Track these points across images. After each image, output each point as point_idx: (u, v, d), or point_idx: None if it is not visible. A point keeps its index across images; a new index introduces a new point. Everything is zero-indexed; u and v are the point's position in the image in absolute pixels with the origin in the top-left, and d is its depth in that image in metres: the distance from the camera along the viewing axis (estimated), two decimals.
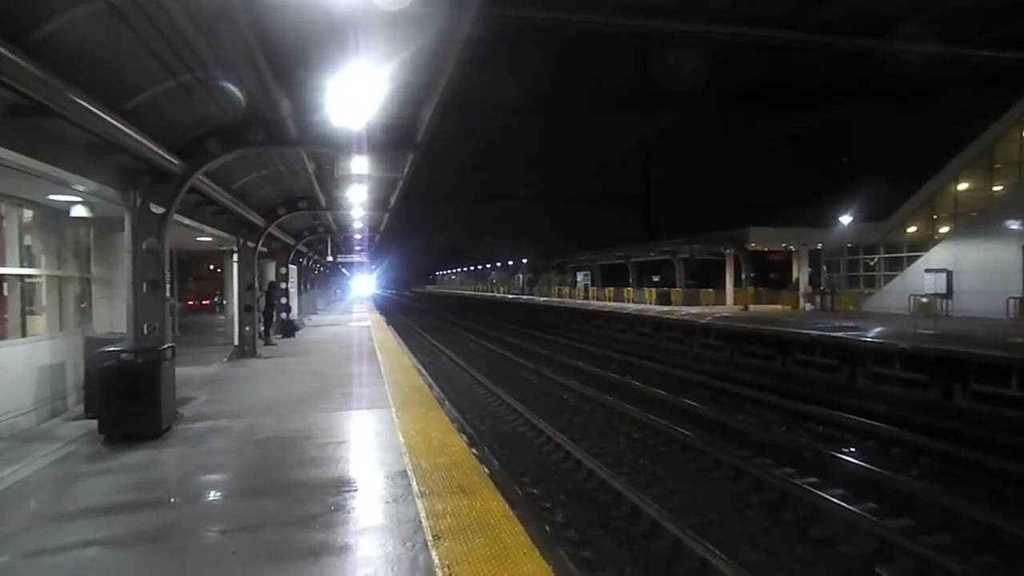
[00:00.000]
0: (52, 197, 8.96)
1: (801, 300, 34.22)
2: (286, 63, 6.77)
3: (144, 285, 8.49)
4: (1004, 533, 7.46)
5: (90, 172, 7.70)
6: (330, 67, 6.79)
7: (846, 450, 11.13)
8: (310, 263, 35.04)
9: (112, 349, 8.17)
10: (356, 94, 7.25)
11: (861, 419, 12.75)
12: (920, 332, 18.44)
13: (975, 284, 24.20)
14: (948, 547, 7.22)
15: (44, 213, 9.71)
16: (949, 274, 24.92)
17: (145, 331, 8.47)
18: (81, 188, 8.29)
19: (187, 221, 11.87)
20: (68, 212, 9.64)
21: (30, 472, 6.75)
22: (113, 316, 10.90)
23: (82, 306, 10.90)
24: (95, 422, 8.11)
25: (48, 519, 5.46)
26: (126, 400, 7.93)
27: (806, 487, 9.04)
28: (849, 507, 8.18)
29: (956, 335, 17.40)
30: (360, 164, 10.90)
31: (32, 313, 9.77)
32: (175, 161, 8.27)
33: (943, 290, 24.84)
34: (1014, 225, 23.41)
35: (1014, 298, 22.30)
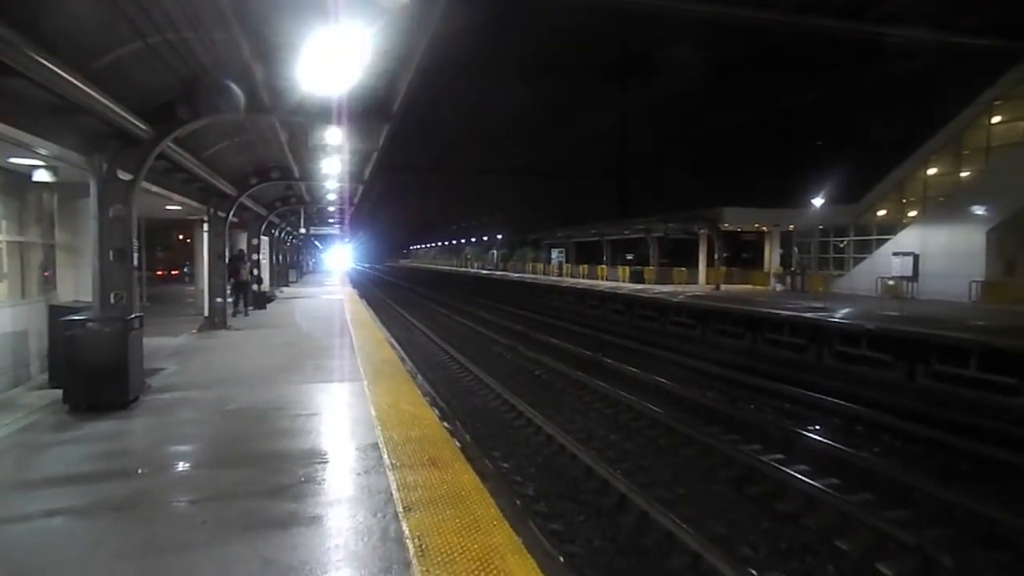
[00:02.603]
0: (13, 160, 8.69)
1: (772, 280, 34.70)
2: (260, 28, 6.61)
3: (111, 253, 8.33)
4: (959, 507, 7.71)
5: (54, 135, 7.48)
6: (305, 33, 6.64)
7: (811, 427, 11.37)
8: (283, 235, 34.58)
9: (78, 318, 8.01)
10: (331, 63, 7.10)
11: (827, 397, 13.02)
12: (886, 314, 18.84)
13: (941, 267, 24.73)
14: (905, 521, 7.44)
15: (4, 177, 9.40)
16: (916, 257, 25.42)
17: (112, 300, 8.32)
18: (44, 152, 8.06)
19: (155, 189, 11.60)
20: (30, 176, 9.36)
21: None
22: (78, 284, 10.67)
23: (46, 274, 10.64)
24: (59, 392, 7.97)
25: (11, 488, 5.37)
26: (92, 369, 7.79)
27: (772, 463, 9.23)
28: (812, 483, 8.37)
29: (920, 317, 17.81)
30: (334, 134, 10.74)
31: None
32: (143, 126, 8.06)
33: (910, 273, 25.35)
34: (979, 210, 23.93)
35: (976, 281, 22.87)
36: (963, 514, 7.62)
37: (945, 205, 26.51)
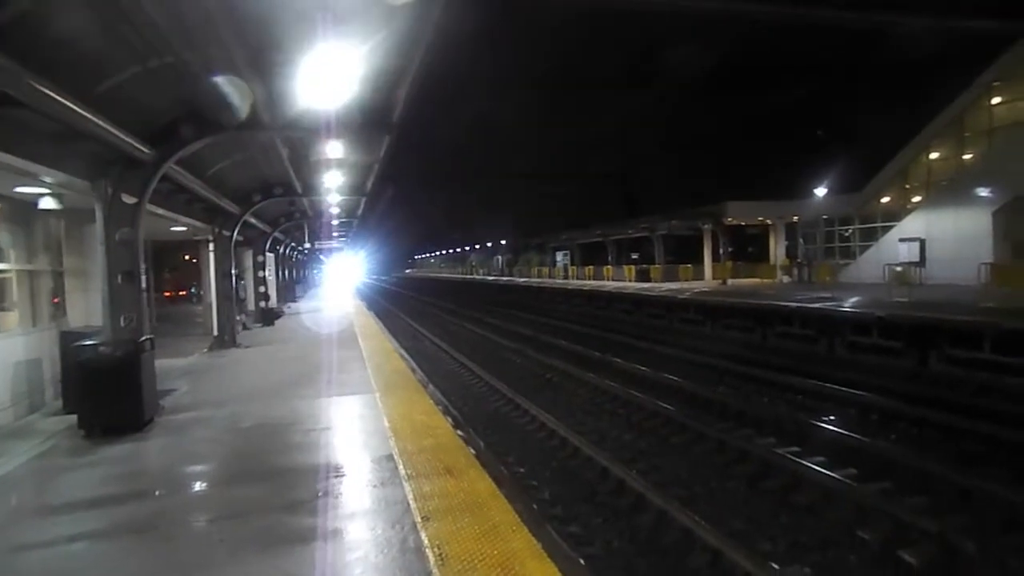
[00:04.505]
0: (18, 189, 8.77)
1: (779, 273, 34.60)
2: (258, 46, 6.65)
3: (119, 277, 8.37)
4: (978, 492, 7.66)
5: (58, 163, 7.54)
6: (303, 49, 6.69)
7: (826, 419, 11.31)
8: (288, 250, 34.70)
9: (89, 343, 8.06)
10: (330, 77, 7.15)
11: (840, 388, 12.96)
12: (895, 301, 18.76)
13: (947, 252, 24.63)
14: (925, 509, 7.39)
15: (11, 206, 9.50)
16: (922, 243, 25.34)
17: (122, 323, 8.37)
18: (49, 179, 8.12)
19: (160, 211, 11.67)
20: (36, 204, 9.44)
21: (11, 468, 6.68)
22: (88, 309, 10.74)
23: (56, 300, 10.73)
24: (74, 417, 8.02)
25: (32, 514, 5.42)
26: (106, 393, 7.84)
27: (787, 456, 9.19)
28: (829, 473, 8.33)
29: (930, 302, 17.72)
30: (335, 148, 10.79)
31: (3, 309, 9.61)
32: (146, 149, 8.12)
33: (916, 259, 25.28)
34: (984, 192, 23.82)
35: (985, 264, 22.75)
36: (984, 499, 7.57)
37: (949, 189, 26.39)
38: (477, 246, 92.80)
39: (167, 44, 6.44)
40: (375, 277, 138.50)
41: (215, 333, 16.58)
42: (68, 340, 8.77)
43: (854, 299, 20.26)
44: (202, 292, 20.99)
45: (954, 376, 14.13)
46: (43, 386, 9.63)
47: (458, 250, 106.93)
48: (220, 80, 7.62)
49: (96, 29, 5.74)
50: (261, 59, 7.06)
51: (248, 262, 23.11)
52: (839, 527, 7.31)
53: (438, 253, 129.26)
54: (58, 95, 5.78)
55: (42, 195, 9.22)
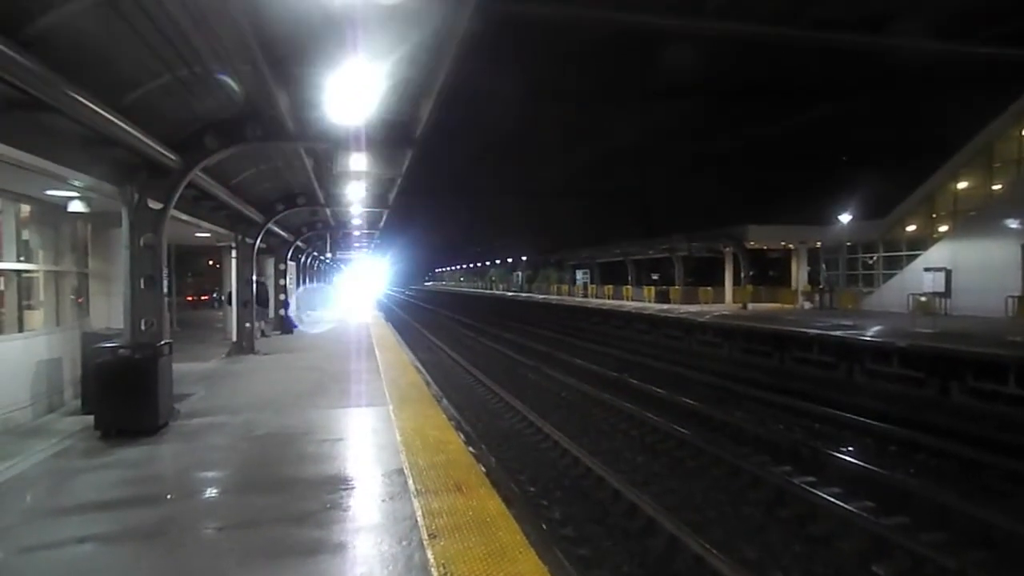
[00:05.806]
0: (49, 192, 8.94)
1: (800, 298, 34.22)
2: (284, 58, 6.74)
3: (142, 281, 8.46)
4: (999, 529, 7.46)
5: (87, 167, 7.68)
6: (328, 62, 6.77)
7: (843, 448, 11.12)
8: (309, 259, 34.96)
9: (109, 345, 8.16)
10: (354, 90, 7.23)
11: (858, 417, 12.75)
12: (918, 330, 18.45)
13: (974, 283, 24.18)
14: (944, 544, 7.22)
15: (41, 208, 9.69)
16: (948, 273, 24.93)
17: (143, 327, 8.45)
18: (78, 183, 8.27)
19: (185, 217, 11.83)
20: (65, 207, 9.62)
21: (26, 467, 6.75)
22: (110, 311, 10.89)
23: (79, 301, 10.89)
24: (92, 417, 8.09)
25: (44, 514, 5.46)
26: (123, 395, 7.92)
27: (803, 485, 9.04)
28: (845, 505, 8.18)
29: (954, 333, 17.41)
30: (358, 160, 10.87)
31: (29, 308, 9.77)
32: (172, 156, 8.24)
33: (942, 289, 24.87)
34: (1013, 224, 23.41)
35: (1012, 296, 22.32)
36: (1003, 535, 7.37)
37: (977, 219, 25.99)
38: (497, 261, 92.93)
39: (196, 55, 6.56)
40: (395, 289, 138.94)
41: (234, 339, 16.71)
42: (89, 341, 8.90)
43: (876, 328, 19.96)
44: (223, 298, 21.20)
45: (976, 409, 13.85)
46: (63, 386, 9.75)
47: (478, 264, 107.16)
48: (247, 90, 7.74)
49: (128, 40, 5.86)
50: (288, 71, 7.15)
51: (270, 270, 23.31)
52: (854, 560, 7.16)
53: (458, 267, 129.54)
54: (90, 102, 5.90)
55: (71, 198, 9.40)
